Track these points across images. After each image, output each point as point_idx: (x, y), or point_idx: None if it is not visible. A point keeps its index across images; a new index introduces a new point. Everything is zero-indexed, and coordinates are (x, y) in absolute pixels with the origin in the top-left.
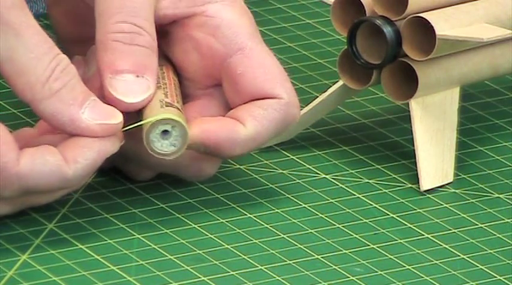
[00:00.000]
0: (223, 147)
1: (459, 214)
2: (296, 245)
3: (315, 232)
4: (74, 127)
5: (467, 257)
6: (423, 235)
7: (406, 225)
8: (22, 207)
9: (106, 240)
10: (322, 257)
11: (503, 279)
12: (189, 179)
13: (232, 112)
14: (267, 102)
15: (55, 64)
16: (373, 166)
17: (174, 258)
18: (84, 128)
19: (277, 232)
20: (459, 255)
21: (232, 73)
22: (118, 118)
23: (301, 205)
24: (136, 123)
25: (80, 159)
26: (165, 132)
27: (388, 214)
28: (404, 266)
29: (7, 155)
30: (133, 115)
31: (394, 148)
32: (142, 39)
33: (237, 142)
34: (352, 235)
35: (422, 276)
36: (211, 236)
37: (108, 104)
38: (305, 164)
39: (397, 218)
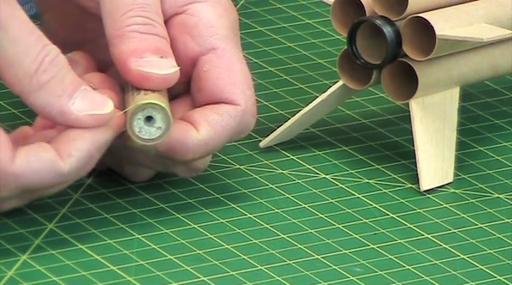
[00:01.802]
0: (175, 151)
1: (459, 214)
2: (296, 245)
3: (315, 232)
4: (64, 119)
5: (467, 257)
6: (423, 235)
7: (406, 225)
8: (30, 200)
9: (106, 240)
10: (322, 257)
11: (503, 279)
12: (180, 176)
13: (188, 114)
14: (223, 107)
15: (43, 56)
16: (373, 166)
17: (174, 258)
18: (74, 120)
19: (277, 232)
20: (459, 255)
21: (199, 70)
22: (109, 107)
23: (301, 205)
24: (140, 102)
25: (73, 152)
26: (149, 118)
27: (388, 214)
28: (404, 266)
29: (1, 155)
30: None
31: (394, 148)
32: (157, 30)
33: (188, 146)
34: (352, 235)
35: (422, 276)
36: (211, 236)
37: (137, 86)
38: (305, 164)
39: (397, 218)
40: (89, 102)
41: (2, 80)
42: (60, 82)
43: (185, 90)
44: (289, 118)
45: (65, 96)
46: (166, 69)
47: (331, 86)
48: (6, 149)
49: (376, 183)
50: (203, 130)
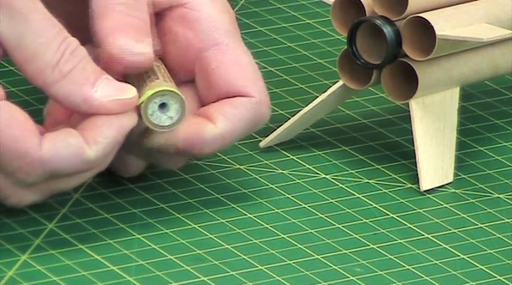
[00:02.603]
0: (193, 146)
1: (459, 214)
2: (296, 245)
3: (315, 232)
4: (88, 107)
5: (467, 257)
6: (423, 235)
7: (406, 225)
8: (50, 194)
9: (106, 240)
10: (322, 257)
11: (503, 279)
12: (170, 167)
13: (203, 109)
14: (238, 100)
15: (64, 48)
16: (373, 166)
17: (174, 258)
18: (98, 106)
19: (277, 232)
20: (459, 255)
21: (205, 68)
22: (132, 92)
23: (301, 205)
24: (147, 92)
25: (100, 139)
26: (163, 105)
27: (388, 214)
28: (404, 266)
29: (29, 141)
30: None
31: (394, 148)
32: (139, 13)
33: (206, 141)
34: (352, 235)
35: (422, 276)
36: (211, 236)
37: (109, 67)
38: (305, 164)
39: (397, 218)
40: (111, 89)
41: (23, 73)
42: (82, 72)
43: (189, 83)
44: (289, 118)
45: (87, 84)
46: (140, 53)
47: (331, 86)
48: (34, 135)
49: (376, 183)
50: (220, 123)
